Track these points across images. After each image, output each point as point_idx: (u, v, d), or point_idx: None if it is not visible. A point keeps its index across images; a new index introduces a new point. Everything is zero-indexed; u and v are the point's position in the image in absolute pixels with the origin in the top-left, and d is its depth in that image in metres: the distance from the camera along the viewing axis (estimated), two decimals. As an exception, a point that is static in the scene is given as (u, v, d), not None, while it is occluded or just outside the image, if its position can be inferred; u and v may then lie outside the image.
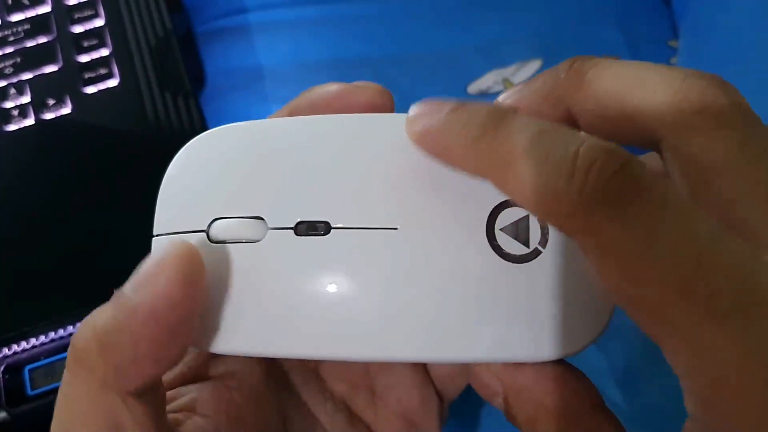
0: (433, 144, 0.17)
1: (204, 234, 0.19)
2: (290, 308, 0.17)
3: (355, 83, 0.20)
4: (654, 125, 0.16)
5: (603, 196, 0.14)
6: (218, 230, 0.19)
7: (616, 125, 0.17)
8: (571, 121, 0.18)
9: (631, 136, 0.17)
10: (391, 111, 0.20)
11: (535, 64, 0.44)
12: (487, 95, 0.43)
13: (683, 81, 0.16)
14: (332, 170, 0.18)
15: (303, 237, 0.18)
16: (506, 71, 0.44)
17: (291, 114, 0.21)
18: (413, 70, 0.44)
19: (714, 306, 0.13)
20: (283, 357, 0.18)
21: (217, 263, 0.18)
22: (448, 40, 0.45)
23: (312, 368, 0.23)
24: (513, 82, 0.43)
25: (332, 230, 0.18)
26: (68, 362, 0.17)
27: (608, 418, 0.17)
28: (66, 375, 0.17)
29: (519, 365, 0.17)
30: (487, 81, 0.44)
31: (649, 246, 0.14)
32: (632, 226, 0.14)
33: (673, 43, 0.44)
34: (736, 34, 0.36)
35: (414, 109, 0.18)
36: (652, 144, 0.16)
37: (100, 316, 0.17)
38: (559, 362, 0.18)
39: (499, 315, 0.17)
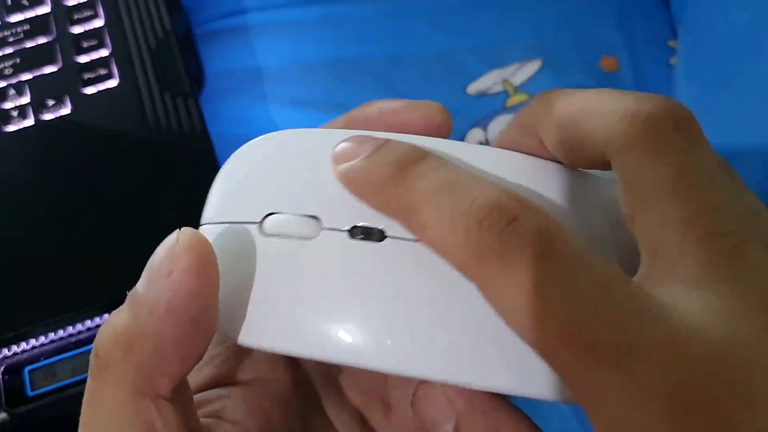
0: (353, 186, 0.18)
1: (256, 226, 0.19)
2: (333, 310, 0.17)
3: (417, 101, 0.21)
4: (603, 149, 0.17)
5: (491, 251, 0.15)
6: (271, 224, 0.18)
7: (574, 149, 0.17)
8: (543, 148, 0.19)
9: (586, 159, 0.17)
10: (449, 129, 0.20)
11: (534, 65, 0.44)
12: (486, 96, 0.43)
13: (633, 104, 0.16)
14: None
15: (356, 241, 0.18)
16: (506, 71, 0.44)
17: (346, 125, 0.21)
18: (412, 71, 0.45)
19: (599, 353, 0.14)
20: (316, 359, 0.18)
21: (265, 255, 0.18)
22: (448, 40, 0.45)
23: (332, 377, 0.23)
24: (512, 83, 0.43)
25: (386, 239, 0.18)
26: (92, 370, 0.16)
27: None
28: (91, 384, 0.16)
29: (474, 392, 0.18)
30: (486, 81, 0.44)
31: (535, 297, 0.14)
32: (518, 279, 0.14)
33: (672, 43, 0.44)
34: (734, 34, 0.36)
35: (339, 147, 0.18)
36: (605, 166, 0.17)
37: (119, 318, 0.16)
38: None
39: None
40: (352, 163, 0.18)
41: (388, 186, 0.17)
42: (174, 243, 0.16)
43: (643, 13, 0.45)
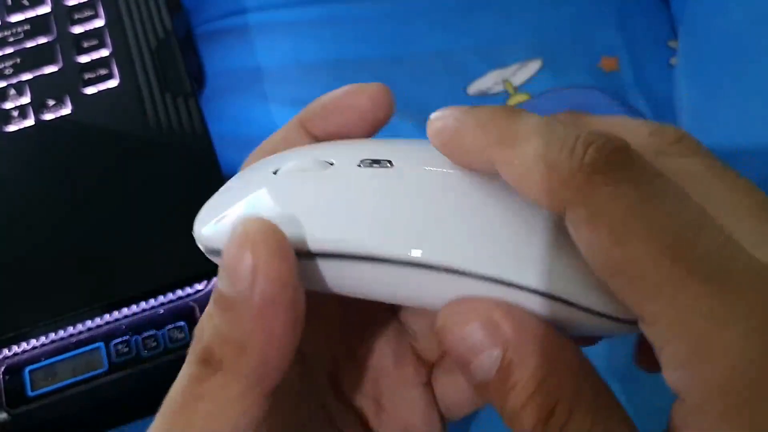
0: (448, 138, 0.18)
1: (271, 173, 0.19)
2: (372, 210, 0.18)
3: (362, 84, 0.22)
4: (641, 150, 0.17)
5: (600, 166, 0.15)
6: (287, 168, 0.19)
7: (533, 192, 0.17)
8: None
9: (546, 203, 0.17)
10: (391, 106, 0.22)
11: (535, 65, 0.44)
12: (486, 96, 0.43)
13: (657, 125, 0.18)
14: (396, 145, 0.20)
15: (367, 168, 0.19)
16: (506, 72, 0.44)
17: (305, 118, 0.22)
18: (413, 71, 0.45)
19: (700, 268, 0.14)
20: (374, 254, 0.18)
21: (289, 184, 0.19)
22: (448, 40, 0.45)
23: (336, 375, 0.23)
24: (513, 83, 0.43)
25: (395, 166, 0.19)
26: (200, 371, 0.17)
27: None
28: (198, 382, 0.17)
29: (524, 315, 0.17)
30: (486, 81, 0.44)
31: (641, 209, 0.15)
32: (626, 191, 0.15)
33: (672, 44, 0.44)
34: (734, 34, 0.36)
35: (434, 114, 0.19)
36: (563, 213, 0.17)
37: (221, 320, 0.16)
38: None
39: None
40: (448, 119, 0.18)
41: (488, 126, 0.17)
42: (245, 236, 0.16)
43: (644, 14, 0.45)
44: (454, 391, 0.23)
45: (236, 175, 0.21)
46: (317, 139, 0.22)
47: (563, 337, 0.17)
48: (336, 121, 0.22)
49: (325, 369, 0.23)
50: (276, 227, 0.17)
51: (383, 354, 0.23)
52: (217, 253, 0.18)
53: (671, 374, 0.15)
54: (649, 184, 0.15)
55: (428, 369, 0.23)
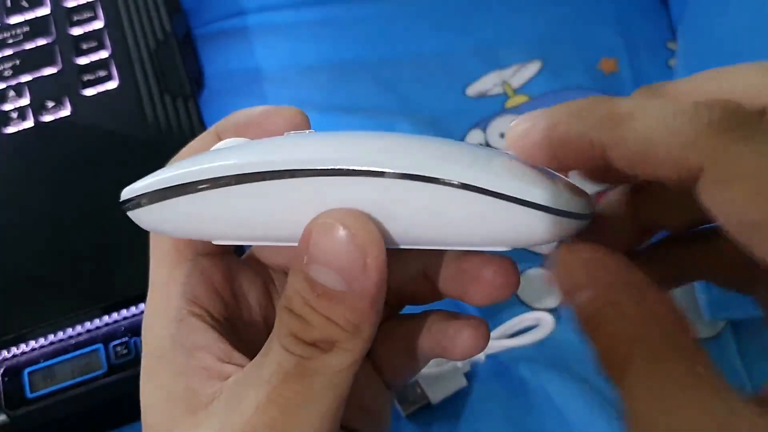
0: (540, 134, 0.17)
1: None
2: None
3: (278, 106, 0.22)
4: (692, 159, 0.16)
5: (728, 123, 0.14)
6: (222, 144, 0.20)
7: (655, 165, 0.16)
8: (607, 165, 0.18)
9: (670, 173, 0.16)
10: (299, 121, 0.22)
11: (534, 66, 0.44)
12: (485, 97, 0.43)
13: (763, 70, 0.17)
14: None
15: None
16: (505, 73, 0.44)
17: (221, 130, 0.22)
18: (412, 73, 0.45)
19: None
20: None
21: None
22: (447, 42, 0.45)
23: None
24: (512, 84, 0.43)
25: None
26: (309, 351, 0.18)
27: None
28: (309, 362, 0.18)
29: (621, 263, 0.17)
30: (486, 83, 0.44)
31: None
32: (760, 146, 0.14)
33: (671, 45, 0.44)
34: (733, 35, 0.36)
35: (514, 122, 0.18)
36: (691, 180, 0.16)
37: (337, 313, 0.17)
38: None
39: None
40: (536, 119, 0.17)
41: (592, 107, 0.16)
42: (354, 238, 0.17)
43: (643, 15, 0.46)
44: (393, 356, 0.24)
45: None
46: None
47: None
48: (250, 138, 0.22)
49: None
50: (366, 217, 0.17)
51: None
52: (122, 204, 0.20)
53: None
54: None
55: None
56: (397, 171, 0.17)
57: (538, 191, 0.16)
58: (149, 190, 0.19)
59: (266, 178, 0.17)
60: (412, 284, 0.23)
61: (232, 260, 0.23)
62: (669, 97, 0.18)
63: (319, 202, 0.17)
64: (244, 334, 0.22)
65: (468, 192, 0.16)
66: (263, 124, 0.22)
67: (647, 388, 0.15)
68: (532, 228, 0.17)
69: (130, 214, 0.20)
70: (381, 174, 0.17)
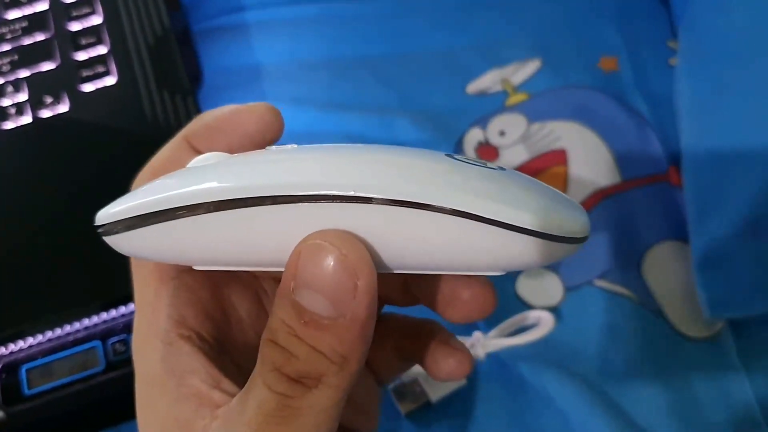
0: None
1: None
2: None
3: (249, 104, 0.22)
4: None
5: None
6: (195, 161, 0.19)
7: None
8: None
9: None
10: (280, 127, 0.22)
11: (534, 64, 0.44)
12: (486, 95, 0.43)
13: None
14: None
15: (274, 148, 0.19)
16: (505, 71, 0.44)
17: (190, 135, 0.22)
18: (411, 70, 0.44)
19: None
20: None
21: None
22: (447, 39, 0.45)
23: None
24: (512, 82, 0.43)
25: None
26: (291, 389, 0.17)
27: None
28: (291, 400, 0.17)
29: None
30: (485, 81, 0.44)
31: None
32: None
33: (672, 44, 0.44)
34: (734, 34, 0.36)
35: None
36: None
37: (324, 341, 0.17)
38: None
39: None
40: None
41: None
42: (345, 260, 0.16)
43: (643, 14, 0.45)
44: (383, 355, 0.24)
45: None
46: (198, 152, 0.22)
47: None
48: (222, 141, 0.21)
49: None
50: (358, 242, 0.16)
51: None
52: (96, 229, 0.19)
53: None
54: None
55: None
56: (386, 197, 0.16)
57: (528, 216, 0.16)
58: (124, 217, 0.18)
59: (248, 204, 0.16)
60: (392, 292, 0.23)
61: (219, 274, 0.22)
62: None
63: (304, 228, 0.16)
64: (235, 352, 0.22)
65: (459, 218, 0.16)
66: (233, 125, 0.21)
67: None
68: (524, 253, 0.16)
69: (106, 239, 0.19)
70: (369, 200, 0.16)
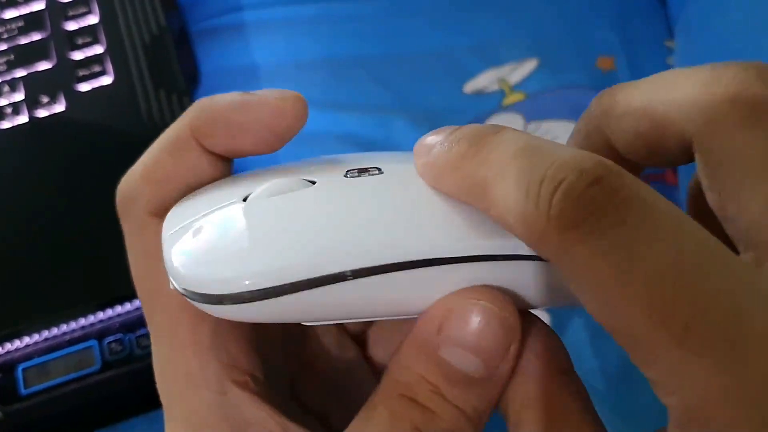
0: (431, 173, 0.17)
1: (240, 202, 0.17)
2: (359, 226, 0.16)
3: (258, 92, 0.19)
4: (683, 125, 0.15)
5: (570, 218, 0.13)
6: (266, 189, 0.17)
7: (650, 139, 0.16)
8: (613, 151, 0.17)
9: (667, 150, 0.16)
10: (305, 114, 0.19)
11: (531, 64, 0.44)
12: (482, 94, 0.43)
13: (711, 72, 0.15)
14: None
15: (354, 178, 0.17)
16: (502, 70, 0.44)
17: (194, 135, 0.19)
18: (409, 70, 0.44)
19: (690, 337, 0.12)
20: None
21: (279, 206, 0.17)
22: (444, 39, 0.45)
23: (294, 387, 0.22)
24: (509, 82, 0.43)
25: (384, 172, 0.18)
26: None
27: (575, 388, 0.17)
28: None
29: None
30: (482, 80, 0.44)
31: (622, 269, 0.13)
32: (604, 249, 0.13)
33: (669, 43, 0.44)
34: (731, 33, 0.36)
35: (418, 143, 0.18)
36: (686, 150, 0.15)
37: (466, 398, 0.16)
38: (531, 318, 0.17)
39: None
40: (429, 155, 0.17)
41: (463, 162, 0.15)
42: (505, 322, 0.16)
43: (640, 13, 0.45)
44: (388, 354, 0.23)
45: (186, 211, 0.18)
46: (217, 155, 0.19)
47: None
48: (241, 138, 0.19)
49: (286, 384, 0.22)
50: (512, 303, 0.16)
51: (330, 354, 0.22)
52: (198, 297, 0.16)
53: (670, 425, 0.14)
54: (633, 226, 0.13)
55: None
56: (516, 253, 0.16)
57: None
58: (268, 285, 0.15)
59: (401, 269, 0.16)
60: None
61: None
62: (618, 108, 0.17)
63: (453, 284, 0.16)
64: (286, 385, 0.21)
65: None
66: (251, 119, 0.19)
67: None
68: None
69: (220, 308, 0.16)
70: (521, 257, 0.16)
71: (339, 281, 0.16)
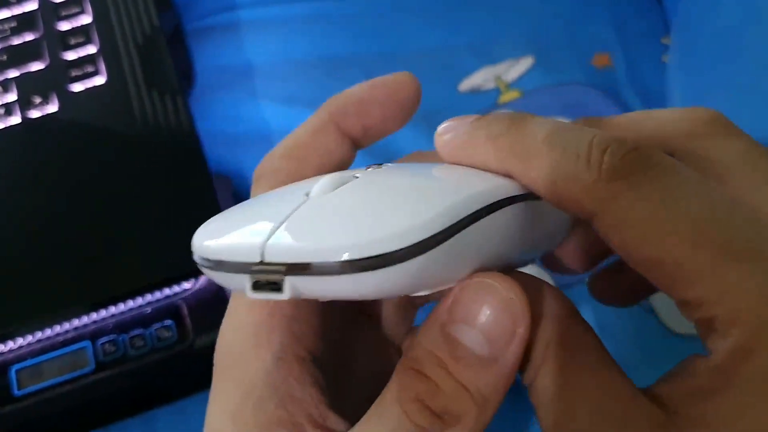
0: (460, 149, 0.18)
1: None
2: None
3: (388, 76, 0.22)
4: (670, 138, 0.19)
5: (619, 171, 0.16)
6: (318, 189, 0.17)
7: (558, 202, 0.18)
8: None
9: (574, 211, 0.18)
10: (420, 95, 0.22)
11: (527, 62, 0.44)
12: (478, 93, 0.43)
13: (687, 108, 0.19)
14: None
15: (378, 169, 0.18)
16: (498, 68, 0.43)
17: (335, 118, 0.21)
18: (404, 68, 0.44)
19: (731, 249, 0.15)
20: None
21: None
22: (439, 37, 0.45)
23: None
24: (504, 80, 0.43)
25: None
26: (430, 422, 0.16)
27: (588, 327, 0.18)
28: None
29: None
30: (478, 78, 0.43)
31: (665, 207, 0.15)
32: (648, 193, 0.16)
33: (665, 40, 0.44)
34: (727, 30, 0.36)
35: (442, 125, 0.19)
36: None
37: (470, 378, 0.16)
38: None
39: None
40: (458, 130, 0.18)
41: (502, 138, 0.17)
42: (513, 304, 0.16)
43: (636, 10, 0.45)
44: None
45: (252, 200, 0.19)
46: (351, 136, 0.22)
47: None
48: (376, 114, 0.22)
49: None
50: (522, 288, 0.16)
51: (365, 354, 0.23)
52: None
53: (710, 339, 0.16)
54: (670, 178, 0.16)
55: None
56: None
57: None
58: (414, 241, 0.14)
59: (507, 204, 0.17)
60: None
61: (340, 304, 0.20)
62: (606, 128, 0.20)
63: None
64: (342, 382, 0.21)
65: None
66: (385, 96, 0.21)
67: (555, 379, 0.17)
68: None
69: (380, 272, 0.14)
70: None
71: (482, 218, 0.16)
